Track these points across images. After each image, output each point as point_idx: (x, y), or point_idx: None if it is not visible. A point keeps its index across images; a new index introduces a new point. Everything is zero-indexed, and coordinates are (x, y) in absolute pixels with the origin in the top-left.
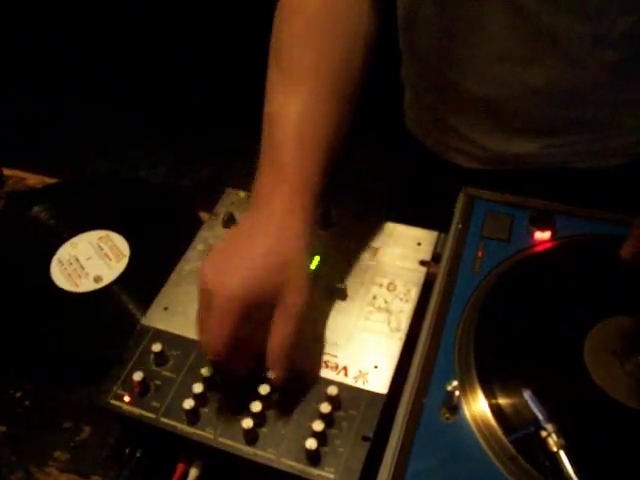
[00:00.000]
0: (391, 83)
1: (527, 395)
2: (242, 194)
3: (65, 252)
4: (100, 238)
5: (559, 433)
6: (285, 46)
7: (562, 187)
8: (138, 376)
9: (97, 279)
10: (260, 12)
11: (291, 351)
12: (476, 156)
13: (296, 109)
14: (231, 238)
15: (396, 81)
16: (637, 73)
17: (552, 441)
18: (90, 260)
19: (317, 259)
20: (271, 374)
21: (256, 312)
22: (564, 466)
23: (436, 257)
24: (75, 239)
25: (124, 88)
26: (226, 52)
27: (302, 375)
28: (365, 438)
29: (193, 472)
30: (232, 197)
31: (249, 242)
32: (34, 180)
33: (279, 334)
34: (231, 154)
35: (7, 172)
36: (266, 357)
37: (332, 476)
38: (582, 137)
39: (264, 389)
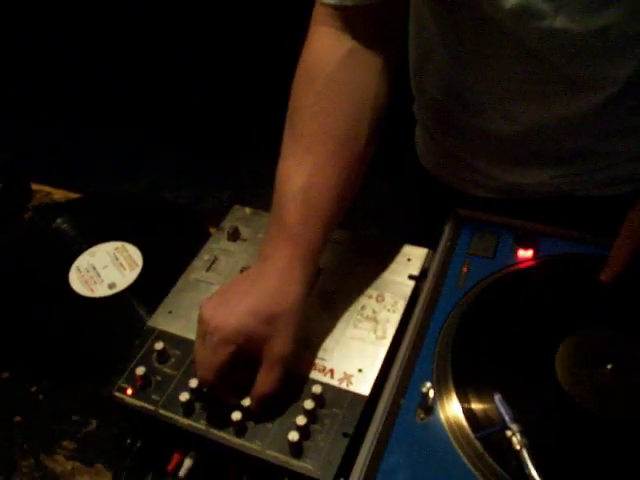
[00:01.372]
0: (404, 113)
1: (497, 398)
2: (248, 210)
3: (84, 260)
4: (116, 249)
5: (523, 433)
6: (297, 114)
7: (573, 214)
8: (140, 371)
9: (111, 286)
10: (260, 12)
11: (271, 396)
12: (487, 186)
13: (303, 176)
14: (234, 282)
15: (408, 112)
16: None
17: (516, 440)
18: (106, 268)
19: None
20: (251, 406)
21: (246, 352)
22: (526, 464)
23: (425, 272)
24: (94, 249)
25: (124, 88)
26: (226, 52)
27: (293, 377)
28: (345, 434)
29: (187, 462)
30: (238, 213)
31: (250, 288)
32: (59, 195)
33: (263, 380)
34: (250, 179)
35: (35, 187)
36: (252, 392)
37: (312, 467)
38: (590, 166)
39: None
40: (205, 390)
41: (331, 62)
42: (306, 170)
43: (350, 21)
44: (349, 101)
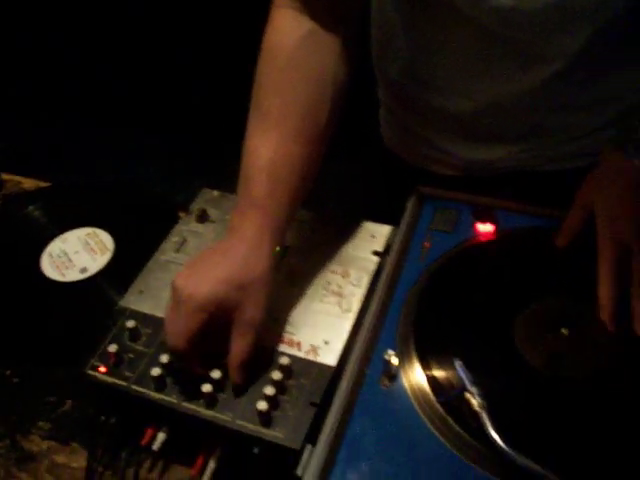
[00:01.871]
0: (368, 95)
1: (457, 364)
2: (216, 193)
3: (55, 246)
4: (88, 234)
5: (482, 396)
6: (262, 91)
7: (531, 190)
8: (113, 348)
9: (83, 270)
10: (260, 12)
11: (248, 362)
12: (449, 164)
13: (268, 150)
14: (206, 253)
15: (373, 94)
16: (594, 80)
17: (475, 402)
18: (78, 254)
19: (278, 250)
20: (231, 376)
21: (217, 320)
22: (485, 424)
23: (388, 248)
24: (65, 235)
25: (124, 88)
26: (226, 52)
27: (262, 350)
28: (313, 403)
29: (160, 436)
30: (207, 195)
31: (221, 258)
32: (29, 184)
33: (238, 346)
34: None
35: (5, 177)
36: (228, 360)
37: (281, 435)
38: (547, 141)
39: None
40: (175, 361)
41: (291, 42)
42: (271, 145)
43: (308, 3)
44: (309, 80)
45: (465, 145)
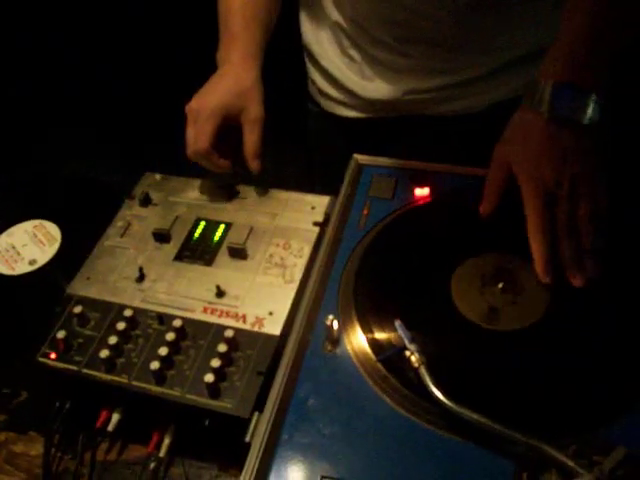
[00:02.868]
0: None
1: (396, 323)
2: (158, 176)
3: (2, 241)
4: (35, 227)
5: (421, 352)
6: None
7: (437, 132)
8: (61, 334)
9: (32, 262)
10: None
11: (260, 147)
12: (352, 105)
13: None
14: (207, 82)
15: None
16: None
17: (414, 358)
18: (26, 247)
19: (222, 227)
20: (251, 166)
21: (228, 121)
22: (424, 379)
23: (328, 218)
24: (11, 229)
25: (124, 88)
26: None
27: (209, 326)
28: (260, 373)
29: (115, 416)
30: (149, 179)
31: (218, 80)
32: None
33: (250, 140)
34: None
35: None
36: (244, 154)
37: (229, 405)
38: (436, 81)
39: (170, 336)
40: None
41: None
42: None
43: None
44: None
45: (361, 80)
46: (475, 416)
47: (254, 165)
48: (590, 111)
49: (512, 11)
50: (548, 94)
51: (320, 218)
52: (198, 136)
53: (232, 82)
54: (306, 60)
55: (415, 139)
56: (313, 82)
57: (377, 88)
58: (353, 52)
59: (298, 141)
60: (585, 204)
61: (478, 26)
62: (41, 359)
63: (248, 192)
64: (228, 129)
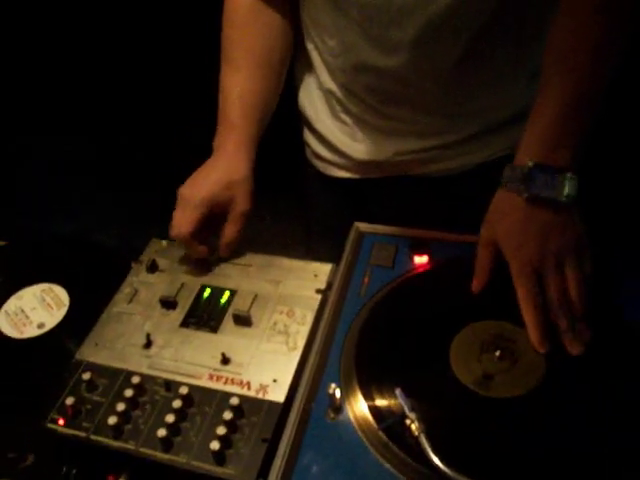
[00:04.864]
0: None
1: (397, 392)
2: (164, 243)
3: (12, 304)
4: (43, 290)
5: (421, 420)
6: (227, 43)
7: (426, 192)
8: (70, 401)
9: (40, 326)
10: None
11: (237, 239)
12: (344, 166)
13: (237, 86)
14: (199, 170)
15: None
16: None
17: (414, 427)
18: (34, 310)
19: (227, 294)
20: (221, 253)
21: (215, 210)
22: (424, 446)
23: (330, 286)
24: (21, 292)
25: (137, 153)
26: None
27: (215, 393)
28: (264, 440)
29: None
30: (156, 246)
31: (211, 169)
32: None
33: (230, 230)
34: None
35: None
36: (220, 240)
37: (234, 472)
38: (423, 143)
39: (177, 403)
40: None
41: (242, 6)
42: (239, 83)
43: None
44: (261, 32)
45: (353, 143)
46: None
47: (224, 252)
48: (566, 188)
49: (492, 78)
50: (525, 175)
51: (322, 286)
52: (183, 223)
53: (224, 172)
54: (302, 124)
55: (407, 198)
56: (308, 145)
57: (367, 150)
58: (344, 116)
59: (298, 200)
60: (572, 274)
61: (461, 93)
62: (50, 425)
63: (253, 259)
64: (214, 215)
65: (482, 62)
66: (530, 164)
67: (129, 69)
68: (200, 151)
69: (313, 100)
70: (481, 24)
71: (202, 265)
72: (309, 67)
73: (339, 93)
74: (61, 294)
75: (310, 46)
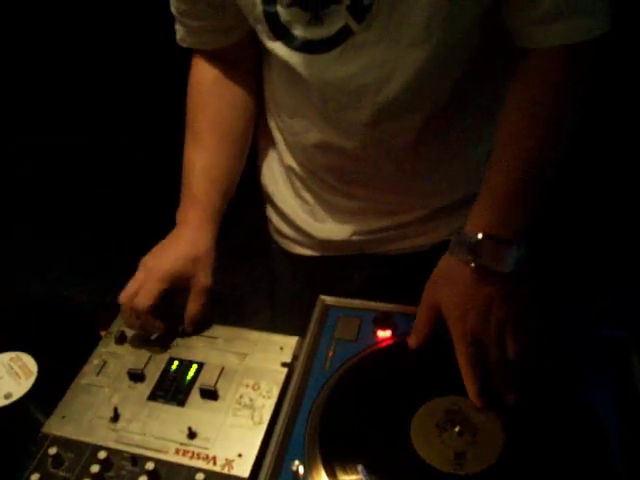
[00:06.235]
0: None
1: (359, 468)
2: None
3: None
4: (11, 359)
5: None
6: (191, 115)
7: (385, 268)
8: (35, 477)
9: (8, 396)
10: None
11: (199, 314)
12: (306, 244)
13: (201, 160)
14: (162, 243)
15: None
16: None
17: None
18: (1, 379)
19: (194, 367)
20: (185, 329)
21: (176, 285)
22: None
23: (296, 358)
24: None
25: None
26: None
27: (180, 470)
28: None
29: None
30: None
31: (174, 243)
32: None
33: (193, 306)
34: None
35: None
36: (184, 316)
37: None
38: (380, 223)
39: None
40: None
41: (207, 80)
42: (202, 156)
43: (209, 54)
44: (224, 106)
45: (311, 223)
46: None
47: (188, 327)
48: (511, 260)
49: (447, 157)
50: (473, 246)
51: (288, 359)
52: (142, 294)
53: (186, 247)
54: (264, 200)
55: (368, 276)
56: (270, 221)
57: (327, 229)
58: (305, 194)
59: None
60: (511, 344)
61: (417, 170)
62: None
63: (219, 331)
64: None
65: (437, 142)
66: (479, 236)
67: (129, 69)
68: None
69: (275, 177)
70: (436, 104)
71: (169, 337)
72: (271, 144)
73: (300, 171)
74: (29, 362)
75: (272, 124)
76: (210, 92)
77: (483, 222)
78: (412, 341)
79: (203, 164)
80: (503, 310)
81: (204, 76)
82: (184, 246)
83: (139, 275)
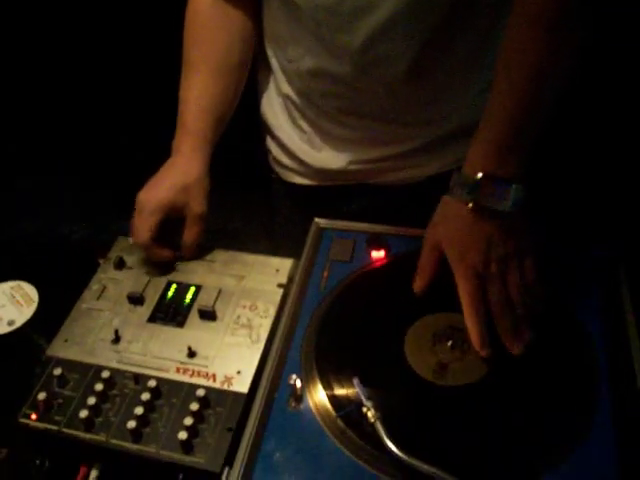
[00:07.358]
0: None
1: (355, 381)
2: (131, 240)
3: None
4: (12, 288)
5: (377, 407)
6: (186, 46)
7: (382, 199)
8: (42, 396)
9: (11, 323)
10: None
11: (196, 240)
12: (304, 173)
13: (195, 90)
14: (157, 173)
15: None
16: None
17: (370, 414)
18: (4, 307)
19: (192, 289)
20: (184, 255)
21: (172, 214)
22: (379, 433)
23: (291, 280)
24: None
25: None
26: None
27: (182, 385)
28: (229, 429)
29: (93, 473)
30: (123, 243)
31: (167, 173)
32: None
33: (189, 234)
34: None
35: None
36: (182, 243)
37: (201, 460)
38: (376, 153)
39: (145, 396)
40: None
41: (203, 10)
42: (196, 85)
43: None
44: (222, 34)
45: (309, 151)
46: (426, 467)
47: (186, 254)
48: (511, 200)
49: (443, 87)
50: (472, 186)
51: (284, 280)
52: (140, 229)
53: (179, 176)
54: (264, 131)
55: (365, 206)
56: (269, 151)
57: (325, 158)
58: (302, 123)
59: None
60: (514, 280)
61: (412, 99)
62: (22, 420)
63: (217, 255)
64: (172, 218)
65: (433, 70)
66: (477, 176)
67: (129, 69)
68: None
69: (273, 107)
70: (432, 29)
71: (167, 261)
72: (269, 74)
73: (296, 99)
74: (30, 291)
75: (269, 52)
76: (208, 19)
77: (481, 161)
78: (417, 284)
79: (196, 94)
80: (504, 247)
81: (201, 7)
82: (175, 176)
83: (136, 211)
